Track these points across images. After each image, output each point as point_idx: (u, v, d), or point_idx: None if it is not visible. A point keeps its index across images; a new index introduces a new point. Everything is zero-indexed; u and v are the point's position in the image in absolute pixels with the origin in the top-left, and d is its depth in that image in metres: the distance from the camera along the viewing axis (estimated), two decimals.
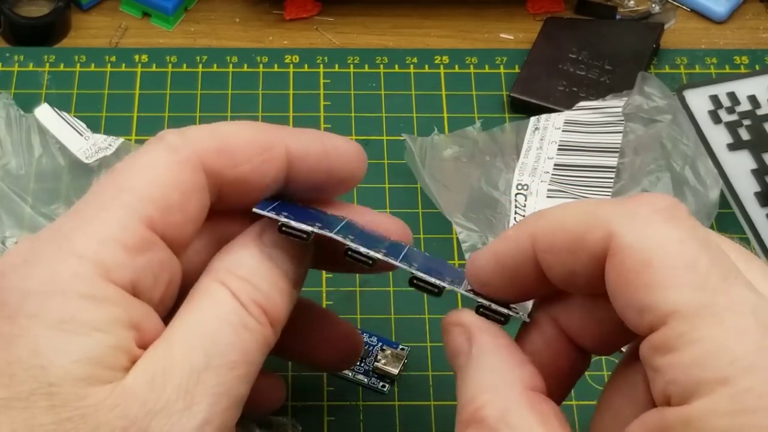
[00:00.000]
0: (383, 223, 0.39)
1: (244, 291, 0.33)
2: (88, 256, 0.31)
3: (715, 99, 0.58)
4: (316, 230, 0.34)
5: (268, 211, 0.34)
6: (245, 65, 0.59)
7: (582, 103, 0.56)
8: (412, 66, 0.60)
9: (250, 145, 0.35)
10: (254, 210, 0.35)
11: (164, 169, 0.33)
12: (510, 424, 0.31)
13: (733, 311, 0.28)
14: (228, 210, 0.36)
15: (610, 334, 0.34)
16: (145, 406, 0.30)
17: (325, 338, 0.41)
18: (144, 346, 0.31)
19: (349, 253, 0.34)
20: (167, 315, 0.34)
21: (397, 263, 0.35)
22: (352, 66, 0.60)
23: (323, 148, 0.36)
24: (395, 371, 0.47)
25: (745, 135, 0.56)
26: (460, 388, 0.33)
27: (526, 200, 0.52)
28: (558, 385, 0.35)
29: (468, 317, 0.34)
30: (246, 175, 0.35)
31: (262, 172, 0.35)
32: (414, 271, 0.35)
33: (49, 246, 0.32)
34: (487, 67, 0.60)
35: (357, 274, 0.51)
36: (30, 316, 0.30)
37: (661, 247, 0.29)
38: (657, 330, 0.29)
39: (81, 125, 0.54)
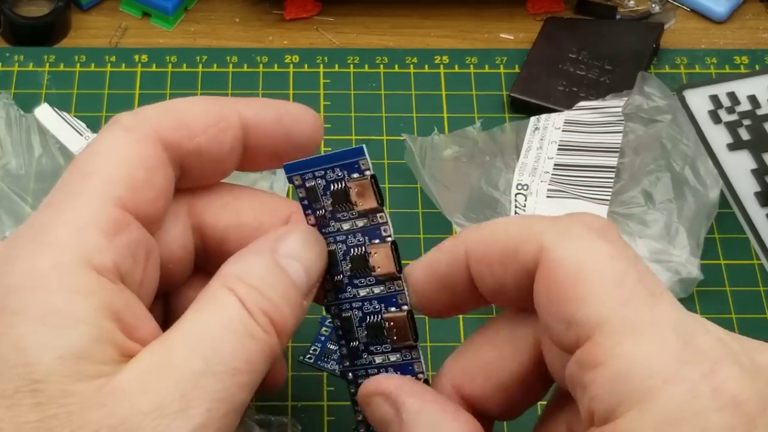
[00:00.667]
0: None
1: (252, 299, 0.32)
2: (67, 246, 0.31)
3: (715, 99, 0.58)
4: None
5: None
6: (245, 65, 0.59)
7: (582, 103, 0.56)
8: (412, 66, 0.60)
9: (205, 116, 0.35)
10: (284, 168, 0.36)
11: (125, 148, 0.33)
12: None
13: (655, 326, 0.28)
14: (193, 185, 0.36)
15: (513, 398, 0.34)
16: (135, 406, 0.29)
17: None
18: (129, 336, 0.31)
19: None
20: (149, 301, 0.34)
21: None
22: (352, 66, 0.60)
23: (277, 113, 0.37)
24: None
25: (745, 135, 0.56)
26: None
27: (526, 200, 0.52)
28: None
29: (387, 383, 0.34)
30: (203, 146, 0.35)
31: (218, 141, 0.35)
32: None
33: (27, 241, 0.31)
34: (487, 67, 0.60)
35: None
36: (13, 312, 0.30)
37: (591, 262, 0.30)
38: (582, 345, 0.29)
39: (81, 125, 0.54)
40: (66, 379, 0.29)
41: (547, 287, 0.30)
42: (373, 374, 0.36)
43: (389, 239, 0.35)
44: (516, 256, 0.31)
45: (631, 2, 0.63)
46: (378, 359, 0.36)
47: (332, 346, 0.48)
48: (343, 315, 0.36)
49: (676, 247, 0.51)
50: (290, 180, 0.36)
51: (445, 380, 0.34)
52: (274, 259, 0.34)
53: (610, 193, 0.52)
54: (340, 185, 0.36)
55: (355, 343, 0.36)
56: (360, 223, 0.36)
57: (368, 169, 0.35)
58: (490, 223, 0.33)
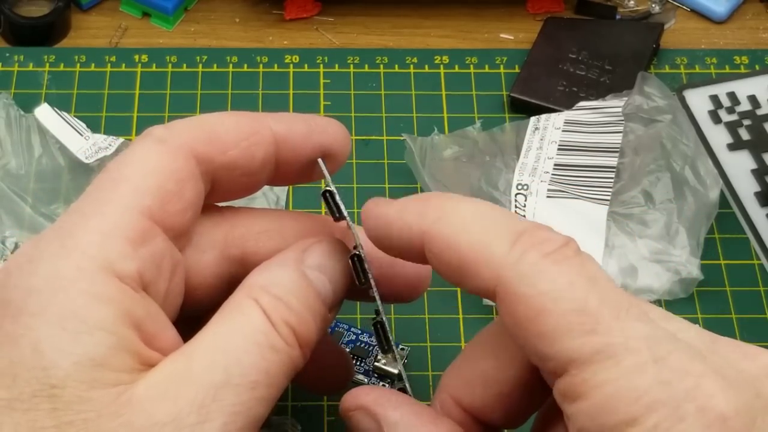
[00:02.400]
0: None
1: (276, 310, 0.32)
2: (90, 251, 0.31)
3: (715, 99, 0.58)
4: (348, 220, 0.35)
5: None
6: (245, 65, 0.59)
7: (582, 103, 0.56)
8: (412, 66, 0.60)
9: (236, 130, 0.35)
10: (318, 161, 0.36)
11: (157, 159, 0.33)
12: None
13: (627, 349, 0.28)
14: (225, 199, 0.36)
15: (515, 406, 0.33)
16: (152, 416, 0.29)
17: (317, 361, 0.40)
18: (149, 345, 0.31)
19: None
20: (174, 317, 0.34)
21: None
22: (352, 66, 0.60)
23: (306, 126, 0.36)
24: (395, 371, 0.47)
25: (745, 135, 0.56)
26: None
27: (526, 200, 0.52)
28: None
29: (364, 397, 0.34)
30: (235, 160, 0.35)
31: (250, 155, 0.35)
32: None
33: (52, 243, 0.31)
34: (487, 67, 0.60)
35: None
36: (33, 314, 0.30)
37: (550, 294, 0.29)
38: (561, 375, 0.29)
39: (81, 125, 0.54)
40: (83, 386, 0.29)
41: (511, 322, 0.30)
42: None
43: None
44: (471, 275, 0.31)
45: (631, 2, 0.63)
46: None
47: None
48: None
49: (676, 247, 0.51)
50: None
51: (444, 394, 0.34)
52: (300, 270, 0.34)
53: (610, 193, 0.52)
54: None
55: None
56: None
57: (328, 186, 0.36)
58: (448, 216, 0.32)
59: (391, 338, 0.36)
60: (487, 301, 0.50)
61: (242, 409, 0.30)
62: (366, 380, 0.47)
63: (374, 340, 0.48)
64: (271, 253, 0.36)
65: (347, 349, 0.48)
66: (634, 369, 0.28)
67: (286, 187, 0.53)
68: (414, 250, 0.33)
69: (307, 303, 0.33)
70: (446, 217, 0.32)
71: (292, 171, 0.37)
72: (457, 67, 0.60)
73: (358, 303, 0.50)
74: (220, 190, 0.36)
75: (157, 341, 0.31)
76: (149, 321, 0.31)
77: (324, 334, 0.35)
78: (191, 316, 0.36)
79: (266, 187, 0.53)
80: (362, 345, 0.48)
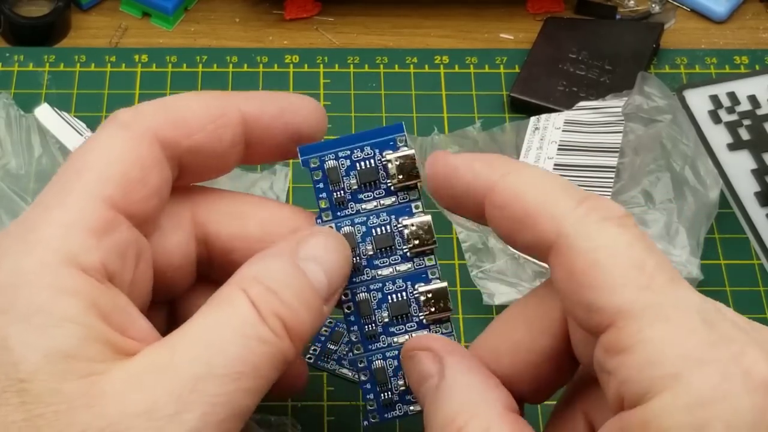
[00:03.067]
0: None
1: (265, 301, 0.32)
2: (53, 245, 0.31)
3: (715, 99, 0.58)
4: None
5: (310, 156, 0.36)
6: (245, 65, 0.59)
7: (582, 103, 0.56)
8: (412, 66, 0.60)
9: (203, 113, 0.35)
10: (299, 151, 0.36)
11: (120, 146, 0.33)
12: None
13: (678, 310, 0.29)
14: (194, 181, 0.36)
15: (542, 377, 0.34)
16: (125, 407, 0.29)
17: None
18: (121, 338, 0.31)
19: None
20: (144, 304, 0.34)
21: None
22: (352, 66, 0.60)
23: (278, 106, 0.36)
24: None
25: (745, 135, 0.56)
26: (434, 411, 0.32)
27: None
28: None
29: (435, 342, 0.34)
30: (202, 143, 0.35)
31: (217, 138, 0.35)
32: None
33: (15, 239, 0.31)
34: (487, 67, 0.60)
35: None
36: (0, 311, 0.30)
37: (610, 249, 0.30)
38: (606, 331, 0.29)
39: (81, 125, 0.54)
40: (53, 378, 0.29)
41: (566, 274, 0.30)
42: (392, 356, 0.36)
43: (426, 214, 0.36)
44: (532, 226, 0.31)
45: (631, 2, 0.63)
46: (401, 339, 0.36)
47: (332, 346, 0.48)
48: (358, 299, 0.36)
49: (676, 247, 0.51)
50: (305, 162, 0.36)
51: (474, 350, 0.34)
52: (294, 261, 0.33)
53: (610, 193, 0.52)
54: (370, 163, 0.36)
55: (372, 327, 0.36)
56: (387, 202, 0.36)
57: (406, 146, 0.36)
58: (516, 172, 0.33)
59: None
60: (487, 301, 0.50)
61: (224, 400, 0.30)
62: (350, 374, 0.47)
63: None
64: (232, 236, 0.36)
65: (347, 350, 0.48)
66: (684, 328, 0.28)
67: (286, 188, 0.53)
68: (474, 199, 0.33)
69: (301, 295, 0.33)
70: (515, 172, 0.33)
71: (265, 151, 0.37)
72: (457, 67, 0.60)
73: None
74: (188, 172, 0.35)
75: (127, 332, 0.31)
76: (116, 312, 0.31)
77: (318, 328, 0.34)
78: (163, 300, 0.36)
79: (266, 188, 0.53)
80: None
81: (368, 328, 0.36)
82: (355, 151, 0.36)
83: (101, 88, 0.58)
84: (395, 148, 0.36)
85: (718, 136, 0.56)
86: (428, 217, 0.36)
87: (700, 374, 0.28)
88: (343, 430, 0.46)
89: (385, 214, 0.36)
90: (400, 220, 0.36)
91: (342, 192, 0.36)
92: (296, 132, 0.36)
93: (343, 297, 0.36)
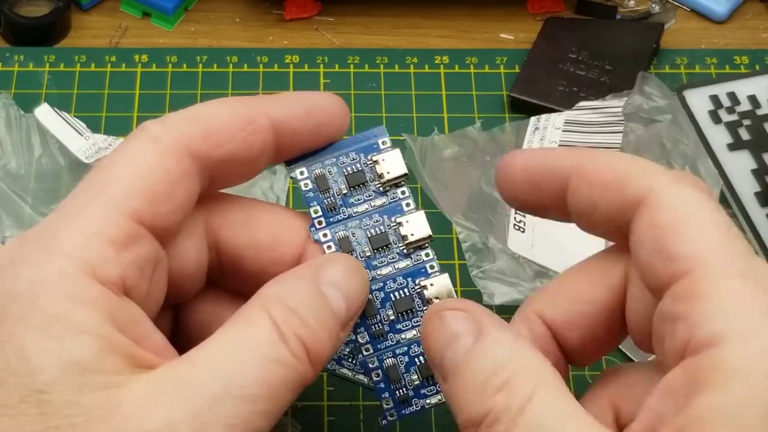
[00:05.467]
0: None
1: (287, 323, 0.31)
2: (74, 254, 0.30)
3: (715, 99, 0.58)
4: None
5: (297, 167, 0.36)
6: (245, 65, 0.59)
7: (582, 103, 0.56)
8: (412, 66, 0.60)
9: (233, 122, 0.34)
10: (287, 170, 0.36)
11: (149, 160, 0.33)
12: (545, 397, 0.29)
13: (754, 269, 0.29)
14: (221, 188, 0.36)
15: (592, 332, 0.34)
16: (143, 422, 0.28)
17: None
18: (136, 350, 0.30)
19: None
20: (155, 312, 0.34)
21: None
22: (352, 66, 0.60)
23: (305, 108, 0.36)
24: None
25: (745, 135, 0.56)
26: (467, 372, 0.30)
27: None
28: None
29: (469, 305, 0.32)
30: (233, 153, 0.34)
31: (248, 146, 0.35)
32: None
33: (35, 245, 0.31)
34: (487, 67, 0.60)
35: None
36: (16, 320, 0.29)
37: (697, 208, 0.31)
38: (679, 280, 0.29)
39: (81, 125, 0.54)
40: (70, 390, 0.29)
41: (650, 223, 0.31)
42: (402, 353, 0.36)
43: (417, 211, 0.36)
44: (624, 187, 0.32)
45: (631, 2, 0.63)
46: (409, 335, 0.36)
47: None
48: None
49: None
50: (293, 174, 0.36)
51: (528, 308, 0.34)
52: (316, 285, 0.33)
53: None
54: (356, 166, 0.37)
55: (378, 326, 0.36)
56: (378, 202, 0.36)
57: (390, 146, 0.37)
58: (604, 151, 0.34)
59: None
60: (487, 301, 0.49)
61: (239, 422, 0.29)
62: (366, 380, 0.47)
63: None
64: (242, 243, 0.36)
65: (347, 350, 0.48)
66: (760, 285, 0.29)
67: (286, 188, 0.53)
68: (559, 178, 0.34)
69: (322, 319, 0.32)
70: (600, 151, 0.34)
71: (293, 152, 0.37)
72: (457, 67, 0.60)
73: None
74: (218, 180, 0.35)
75: (142, 344, 0.31)
76: (132, 324, 0.31)
77: (334, 353, 0.34)
78: (171, 304, 0.36)
79: (266, 188, 0.53)
80: None
81: (375, 328, 0.36)
82: (341, 157, 0.37)
83: (101, 88, 0.58)
84: (380, 150, 0.37)
85: (718, 136, 0.56)
86: (421, 212, 0.36)
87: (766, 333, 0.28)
88: (343, 430, 0.46)
89: (377, 214, 0.37)
90: (393, 218, 0.36)
91: (332, 198, 0.36)
92: (322, 131, 0.37)
93: None
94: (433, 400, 0.36)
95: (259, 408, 0.30)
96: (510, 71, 0.60)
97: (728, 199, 0.54)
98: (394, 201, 0.37)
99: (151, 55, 0.60)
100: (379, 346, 0.37)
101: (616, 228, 0.32)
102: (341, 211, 0.36)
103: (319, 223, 0.37)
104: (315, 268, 0.34)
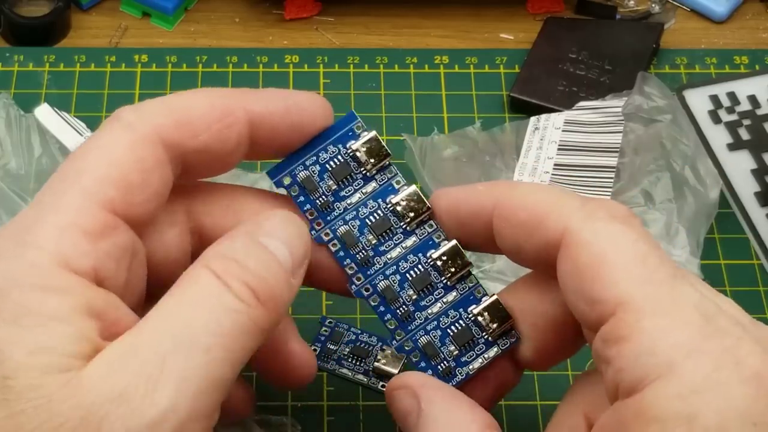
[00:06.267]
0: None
1: (229, 271, 0.31)
2: (46, 247, 0.30)
3: (715, 99, 0.58)
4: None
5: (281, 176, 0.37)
6: (245, 65, 0.59)
7: (582, 103, 0.56)
8: (412, 66, 0.60)
9: (209, 113, 0.34)
10: (272, 180, 0.37)
11: (122, 148, 0.33)
12: None
13: (676, 303, 0.29)
14: (195, 179, 0.36)
15: (546, 342, 0.35)
16: (101, 394, 0.29)
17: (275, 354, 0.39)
18: (111, 335, 0.30)
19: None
20: (138, 301, 0.34)
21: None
22: (352, 66, 0.60)
23: (285, 105, 0.36)
24: (395, 371, 0.47)
25: (745, 135, 0.56)
26: None
27: None
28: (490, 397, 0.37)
29: (411, 378, 0.35)
30: (207, 144, 0.34)
31: (223, 138, 0.35)
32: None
33: (9, 241, 0.31)
34: (487, 67, 0.60)
35: None
36: None
37: (614, 244, 0.31)
38: (606, 322, 0.30)
39: (81, 125, 0.54)
40: (34, 373, 0.29)
41: (570, 267, 0.31)
42: (433, 327, 0.37)
43: (409, 186, 0.37)
44: (540, 229, 0.32)
45: (631, 2, 0.63)
46: (435, 309, 0.37)
47: (332, 346, 0.48)
48: (381, 288, 0.37)
49: (676, 247, 0.51)
50: (278, 183, 0.36)
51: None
52: (254, 238, 0.33)
53: (610, 193, 0.52)
54: (338, 159, 0.36)
55: (404, 309, 0.37)
56: (369, 189, 0.37)
57: (366, 130, 0.36)
58: (524, 186, 0.35)
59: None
60: None
61: (196, 373, 0.29)
62: (366, 380, 0.47)
63: (374, 340, 0.48)
64: (227, 228, 0.35)
65: (347, 350, 0.48)
66: (681, 321, 0.29)
67: None
68: (483, 219, 0.35)
69: (264, 263, 0.32)
70: (519, 185, 0.35)
71: (270, 148, 0.37)
72: (457, 67, 0.60)
73: (358, 303, 0.50)
74: (191, 171, 0.35)
75: (121, 328, 0.31)
76: (110, 311, 0.31)
77: (292, 296, 0.34)
78: (158, 293, 0.36)
79: (266, 186, 0.53)
80: (362, 345, 0.48)
81: (401, 311, 0.37)
82: (320, 154, 0.37)
83: (101, 88, 0.58)
84: (357, 137, 0.37)
85: (718, 136, 0.56)
86: (413, 187, 0.37)
87: (693, 363, 0.28)
88: (343, 430, 0.46)
89: (371, 200, 0.37)
90: (388, 200, 0.36)
91: (323, 196, 0.37)
92: (302, 130, 0.36)
93: (365, 292, 0.37)
94: (476, 364, 0.37)
95: (215, 356, 0.30)
96: (510, 71, 0.60)
97: (728, 199, 0.54)
98: (384, 183, 0.37)
99: (151, 55, 0.60)
100: (409, 327, 0.37)
101: (547, 264, 0.33)
102: (335, 207, 0.36)
103: (318, 224, 0.37)
104: (252, 225, 0.34)
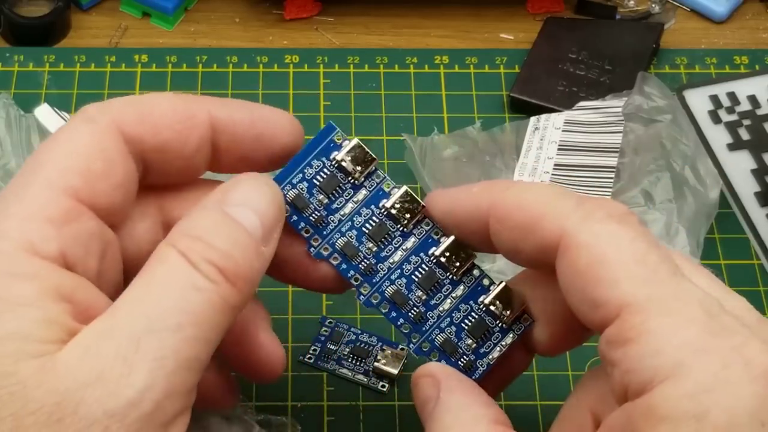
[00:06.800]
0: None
1: (194, 250, 0.31)
2: (11, 235, 0.31)
3: (715, 99, 0.58)
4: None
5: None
6: (245, 65, 0.59)
7: (582, 103, 0.56)
8: (412, 66, 0.60)
9: (171, 112, 0.35)
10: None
11: (83, 138, 0.33)
12: None
13: (680, 301, 0.29)
14: (162, 182, 0.36)
15: (557, 331, 0.35)
16: (77, 378, 0.29)
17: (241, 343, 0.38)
18: (86, 319, 0.31)
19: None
20: (116, 292, 0.33)
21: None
22: (352, 66, 0.60)
23: (250, 116, 0.36)
24: (395, 371, 0.47)
25: (745, 135, 0.56)
26: (432, 425, 0.34)
27: None
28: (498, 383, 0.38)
29: (435, 367, 0.36)
30: (167, 143, 0.35)
31: (183, 138, 0.35)
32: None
33: None
34: (487, 67, 0.60)
35: None
36: None
37: (613, 245, 0.31)
38: (610, 324, 0.30)
39: None
40: (7, 361, 0.29)
41: (570, 270, 0.31)
42: (447, 324, 0.37)
43: (399, 188, 0.37)
44: (536, 231, 0.32)
45: (631, 2, 0.63)
46: (446, 305, 0.37)
47: (332, 346, 0.48)
48: (389, 294, 0.37)
49: (676, 247, 0.51)
50: None
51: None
52: (220, 209, 0.33)
53: (610, 193, 0.52)
54: (325, 173, 0.36)
55: (415, 311, 0.37)
56: (360, 196, 0.36)
57: (347, 139, 0.36)
58: (516, 186, 0.34)
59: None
60: None
61: (168, 353, 0.30)
62: (366, 380, 0.47)
63: (374, 340, 0.48)
64: None
65: (347, 350, 0.48)
66: (686, 319, 0.29)
67: None
68: (478, 221, 0.34)
69: (230, 238, 0.32)
70: (514, 186, 0.34)
71: (233, 159, 0.36)
72: (457, 67, 0.60)
73: (358, 303, 0.50)
74: (154, 171, 0.35)
75: (93, 313, 0.31)
76: (81, 294, 0.31)
77: (263, 268, 0.34)
78: None
79: None
80: (362, 345, 0.48)
81: (413, 313, 0.37)
82: (306, 170, 0.36)
83: (101, 88, 0.58)
84: (339, 147, 0.36)
85: (718, 136, 0.56)
86: (404, 188, 0.37)
87: (701, 362, 0.28)
88: (343, 430, 0.46)
89: (364, 208, 0.37)
90: (381, 205, 0.36)
91: (316, 212, 0.36)
92: (267, 144, 0.36)
93: (374, 300, 0.37)
94: (495, 353, 0.37)
95: (187, 335, 0.30)
96: (510, 71, 0.60)
97: (728, 199, 0.54)
98: (374, 188, 0.37)
99: (151, 55, 0.60)
100: (423, 328, 0.37)
101: (546, 265, 0.33)
102: (330, 221, 0.36)
103: (315, 240, 0.36)
104: (220, 194, 0.34)
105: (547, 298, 0.36)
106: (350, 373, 0.48)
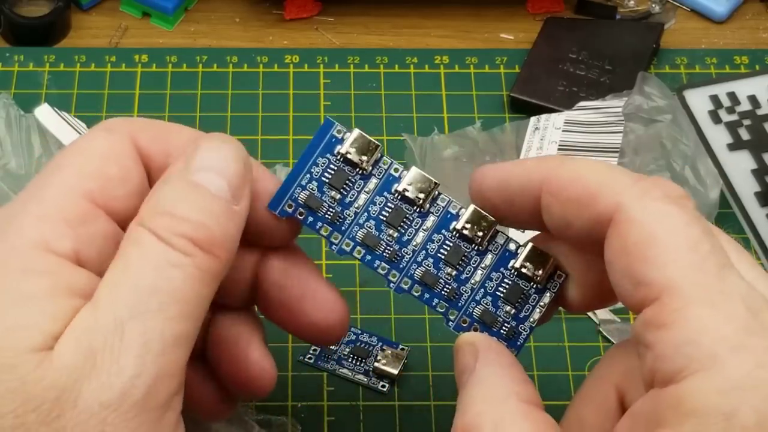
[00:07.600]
0: (318, 293, 0.37)
1: (163, 227, 0.31)
2: (26, 232, 0.31)
3: (715, 99, 0.58)
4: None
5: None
6: (245, 65, 0.59)
7: (582, 103, 0.56)
8: (412, 66, 0.60)
9: (188, 141, 0.35)
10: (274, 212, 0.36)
11: (101, 146, 0.34)
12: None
13: (724, 294, 0.29)
14: None
15: (593, 280, 0.35)
16: (73, 372, 0.29)
17: (302, 298, 0.38)
18: None
19: None
20: None
21: None
22: (352, 66, 0.60)
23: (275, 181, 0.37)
24: (395, 371, 0.47)
25: (745, 135, 0.56)
26: (459, 401, 0.33)
27: None
28: None
29: (478, 338, 0.35)
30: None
31: None
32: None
33: None
34: (487, 67, 0.60)
35: (357, 274, 0.51)
36: None
37: (666, 226, 0.30)
38: (649, 305, 0.29)
39: (81, 125, 0.54)
40: (9, 352, 0.29)
41: (619, 245, 0.31)
42: (482, 296, 0.36)
43: (408, 169, 0.36)
44: (591, 204, 0.32)
45: (631, 2, 0.63)
46: (477, 277, 0.36)
47: (332, 346, 0.48)
48: (419, 276, 0.36)
49: None
50: (282, 213, 0.36)
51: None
52: (183, 178, 0.33)
53: None
54: (332, 168, 0.36)
55: (447, 288, 0.36)
56: (372, 185, 0.36)
57: (348, 131, 0.36)
58: (575, 161, 0.34)
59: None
60: None
61: (154, 336, 0.30)
62: (366, 380, 0.47)
63: (374, 340, 0.48)
64: None
65: (347, 350, 0.48)
66: (727, 314, 0.28)
67: None
68: (530, 193, 0.34)
69: (198, 206, 0.32)
70: (570, 160, 0.34)
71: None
72: (457, 67, 0.60)
73: (358, 303, 0.50)
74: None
75: None
76: (93, 290, 0.31)
77: (239, 228, 0.34)
78: None
79: None
80: (362, 345, 0.48)
81: (445, 291, 0.36)
82: (312, 169, 0.36)
83: (101, 88, 0.58)
84: (341, 141, 0.36)
85: (718, 136, 0.56)
86: (414, 169, 0.36)
87: (735, 359, 0.28)
88: (343, 430, 0.46)
89: (378, 196, 0.36)
90: (393, 189, 0.36)
91: (331, 209, 0.36)
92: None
93: (404, 286, 0.36)
94: (536, 315, 0.36)
95: (170, 314, 0.30)
96: (510, 71, 0.60)
97: (728, 199, 0.54)
98: (384, 174, 0.36)
99: (151, 55, 0.60)
100: (459, 304, 0.36)
101: (595, 242, 0.32)
102: (346, 215, 0.36)
103: (335, 237, 0.36)
104: (182, 163, 0.34)
105: (572, 251, 0.35)
106: (350, 373, 0.48)
